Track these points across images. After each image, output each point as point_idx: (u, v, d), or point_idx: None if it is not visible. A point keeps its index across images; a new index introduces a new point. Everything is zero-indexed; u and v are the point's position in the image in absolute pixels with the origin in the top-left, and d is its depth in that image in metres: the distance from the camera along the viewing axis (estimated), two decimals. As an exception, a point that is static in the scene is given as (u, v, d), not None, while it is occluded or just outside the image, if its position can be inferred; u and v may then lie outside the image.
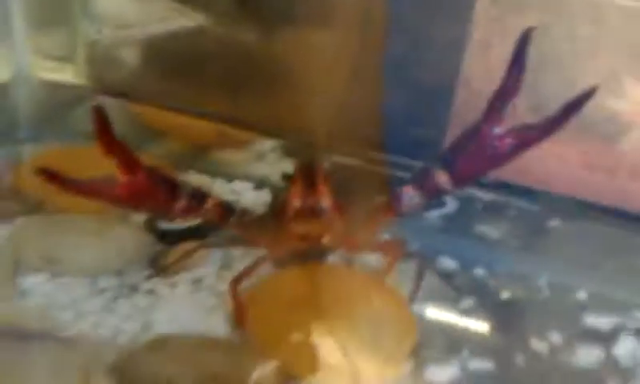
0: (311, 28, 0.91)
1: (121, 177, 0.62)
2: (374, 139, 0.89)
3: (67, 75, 0.99)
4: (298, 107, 0.90)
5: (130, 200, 0.63)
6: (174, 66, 0.97)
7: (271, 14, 0.92)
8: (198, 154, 0.92)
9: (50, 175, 0.60)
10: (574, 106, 0.64)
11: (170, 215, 0.70)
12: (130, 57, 1.00)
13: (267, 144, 0.93)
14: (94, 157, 0.62)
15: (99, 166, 0.62)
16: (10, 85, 0.98)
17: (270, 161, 0.92)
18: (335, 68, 0.91)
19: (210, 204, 0.67)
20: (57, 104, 0.99)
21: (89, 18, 0.98)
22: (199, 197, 0.66)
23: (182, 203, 0.65)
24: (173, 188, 0.65)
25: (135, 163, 0.62)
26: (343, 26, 0.91)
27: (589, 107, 0.64)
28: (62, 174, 0.61)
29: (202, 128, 0.93)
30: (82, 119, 0.96)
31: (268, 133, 0.94)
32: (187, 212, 0.66)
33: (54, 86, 0.99)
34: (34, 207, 0.78)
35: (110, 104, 0.93)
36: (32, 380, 0.60)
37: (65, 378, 0.60)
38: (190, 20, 0.95)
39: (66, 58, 0.99)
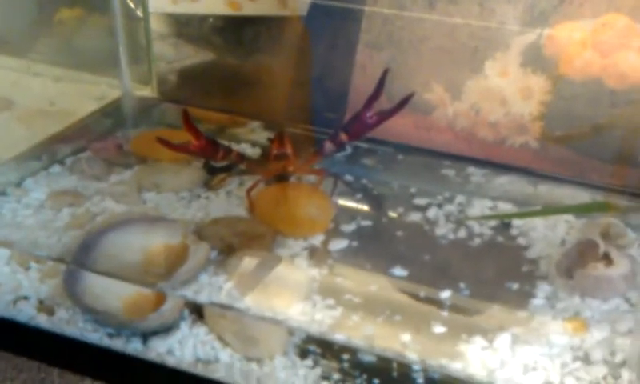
0: (269, 54, 1.23)
1: (194, 141, 0.94)
2: (307, 118, 1.17)
3: (147, 92, 1.31)
4: (266, 102, 1.21)
5: (198, 152, 0.97)
6: (201, 83, 1.29)
7: (245, 48, 1.25)
8: (220, 131, 1.20)
9: (164, 142, 0.92)
10: (404, 101, 0.96)
11: (215, 159, 0.98)
12: (177, 80, 1.30)
13: (255, 123, 1.23)
14: (166, 135, 0.95)
15: (170, 138, 0.94)
16: (121, 99, 1.30)
17: (257, 132, 1.21)
18: (285, 78, 1.21)
19: (233, 153, 0.98)
20: (145, 108, 1.30)
21: (154, 57, 1.28)
22: (228, 150, 0.98)
23: (221, 153, 0.97)
24: (217, 146, 0.96)
25: (201, 135, 0.94)
26: (287, 53, 1.22)
27: (414, 98, 0.97)
28: (169, 141, 0.93)
29: (222, 117, 1.24)
30: (158, 116, 1.30)
31: (255, 117, 1.23)
32: (223, 158, 0.98)
33: (142, 99, 1.30)
34: (141, 160, 1.13)
35: (171, 108, 1.27)
36: (162, 238, 0.90)
37: (176, 234, 0.91)
38: (205, 56, 1.29)
39: (146, 81, 1.30)
